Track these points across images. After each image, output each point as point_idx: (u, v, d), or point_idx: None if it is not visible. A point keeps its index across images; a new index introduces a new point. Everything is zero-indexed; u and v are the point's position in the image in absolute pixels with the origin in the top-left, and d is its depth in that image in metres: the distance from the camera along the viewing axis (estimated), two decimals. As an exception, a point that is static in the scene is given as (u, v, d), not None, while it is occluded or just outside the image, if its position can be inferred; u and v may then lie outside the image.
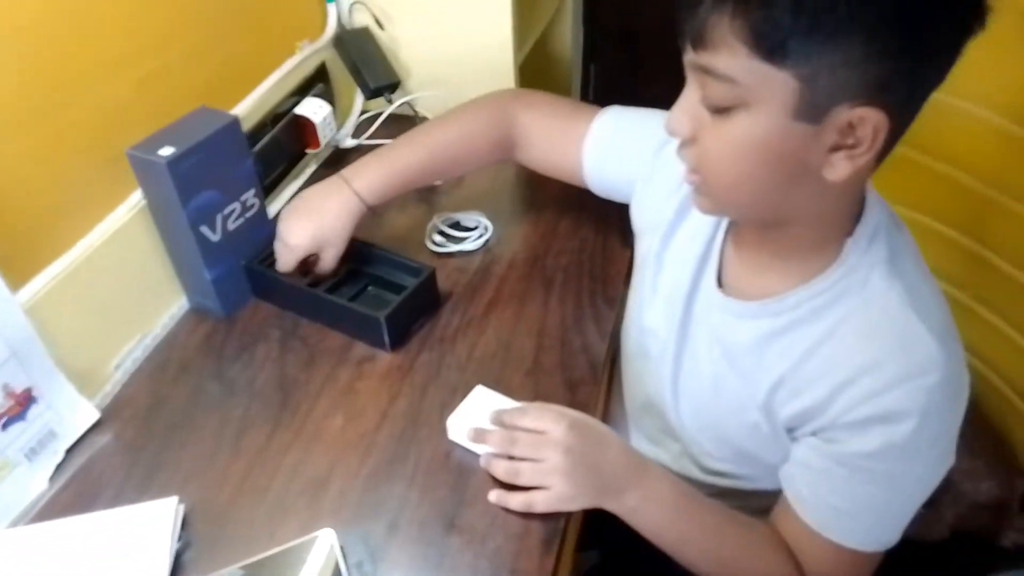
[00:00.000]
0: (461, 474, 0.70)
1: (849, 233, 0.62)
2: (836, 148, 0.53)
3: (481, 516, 0.67)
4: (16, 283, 0.70)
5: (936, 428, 0.60)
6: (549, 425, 0.66)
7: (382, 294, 0.90)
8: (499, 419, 0.70)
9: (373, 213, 0.89)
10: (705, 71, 0.54)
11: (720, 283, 0.71)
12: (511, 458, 0.67)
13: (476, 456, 0.71)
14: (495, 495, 0.67)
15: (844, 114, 0.51)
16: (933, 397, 0.58)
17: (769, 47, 0.50)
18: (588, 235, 0.99)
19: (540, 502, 0.65)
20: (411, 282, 0.86)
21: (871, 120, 0.51)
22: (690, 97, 0.57)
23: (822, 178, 0.55)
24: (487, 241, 0.98)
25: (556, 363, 0.81)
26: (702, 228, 0.72)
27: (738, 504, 0.71)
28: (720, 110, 0.55)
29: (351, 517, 0.68)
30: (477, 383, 0.77)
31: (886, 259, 0.61)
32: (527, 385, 0.78)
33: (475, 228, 1.00)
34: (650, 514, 0.67)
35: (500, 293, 0.91)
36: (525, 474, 0.66)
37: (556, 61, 1.71)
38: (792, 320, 0.64)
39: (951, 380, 0.59)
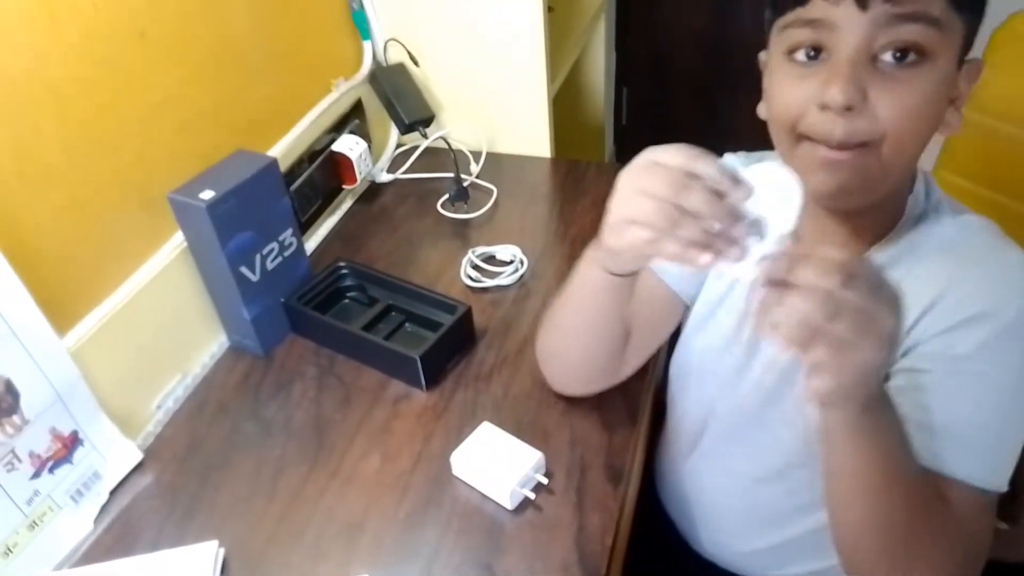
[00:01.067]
0: (497, 518, 0.70)
1: (911, 190, 0.64)
2: (950, 101, 0.57)
3: (518, 561, 0.66)
4: (62, 327, 0.72)
5: None
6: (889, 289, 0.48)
7: (418, 331, 0.90)
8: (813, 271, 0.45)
9: None
10: (911, 17, 0.53)
11: None
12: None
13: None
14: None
15: (968, 66, 0.57)
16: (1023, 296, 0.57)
17: None
18: (624, 268, 0.98)
19: (820, 372, 0.47)
20: (447, 319, 0.86)
21: (975, 69, 0.57)
22: (852, 63, 0.54)
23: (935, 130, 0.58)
24: (522, 276, 0.98)
25: (592, 404, 0.79)
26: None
27: None
28: (907, 61, 0.54)
29: (387, 562, 0.67)
30: (512, 423, 0.77)
31: (946, 200, 0.64)
32: (563, 425, 0.77)
33: (510, 262, 1.00)
34: (884, 435, 0.54)
35: (535, 329, 0.89)
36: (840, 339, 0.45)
37: (588, 87, 1.72)
38: None
39: None
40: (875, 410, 0.52)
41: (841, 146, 0.55)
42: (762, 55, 0.64)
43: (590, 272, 0.65)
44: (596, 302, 0.67)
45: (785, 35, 0.58)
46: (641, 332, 0.76)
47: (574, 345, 0.74)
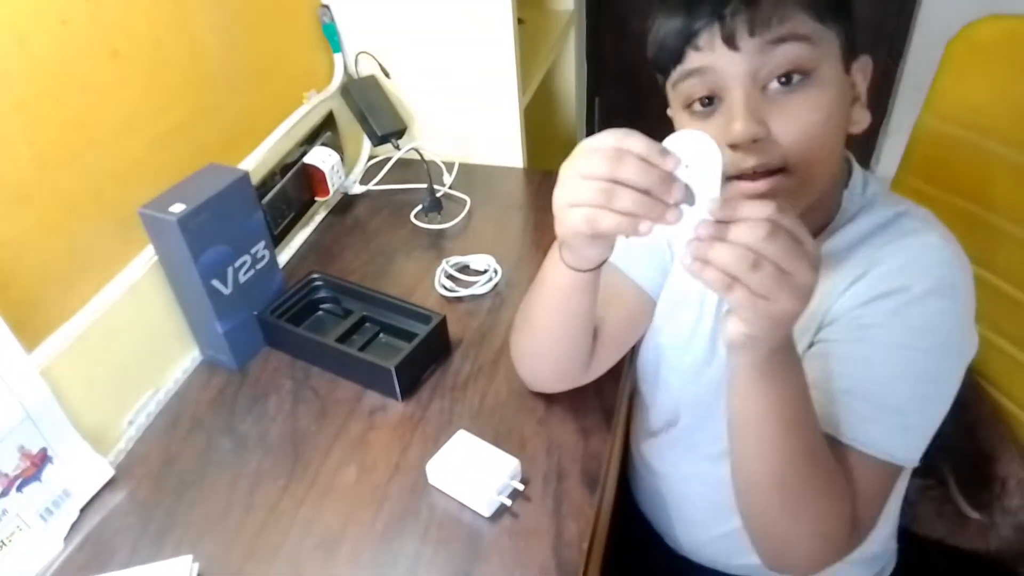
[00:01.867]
0: (475, 526, 0.70)
1: (845, 185, 0.66)
2: (853, 101, 0.60)
3: (497, 569, 0.66)
4: (31, 344, 0.71)
5: (941, 303, 0.60)
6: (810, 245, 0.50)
7: (393, 342, 0.90)
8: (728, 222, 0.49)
9: None
10: (781, 41, 0.56)
11: None
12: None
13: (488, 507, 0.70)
14: (694, 264, 0.49)
15: (858, 64, 0.60)
16: (938, 271, 0.61)
17: (824, 7, 0.57)
18: (597, 276, 0.99)
19: (749, 305, 0.49)
20: (421, 329, 0.86)
21: (867, 65, 0.60)
22: (745, 99, 0.56)
23: (845, 133, 0.61)
24: (496, 285, 0.99)
25: (568, 410, 0.80)
26: None
27: None
28: (790, 84, 0.56)
29: (366, 574, 0.67)
30: (490, 432, 0.77)
31: (880, 193, 0.66)
32: (540, 432, 0.78)
33: (484, 272, 1.01)
34: (790, 378, 0.56)
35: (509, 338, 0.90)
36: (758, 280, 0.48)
37: (560, 98, 1.73)
38: None
39: (956, 262, 0.62)
40: (781, 358, 0.55)
41: (756, 176, 0.58)
42: (669, 112, 0.66)
43: (555, 270, 0.66)
44: (562, 299, 0.68)
45: (678, 91, 0.61)
46: (614, 329, 0.77)
47: (544, 342, 0.75)
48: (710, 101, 0.59)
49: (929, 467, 0.72)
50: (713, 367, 0.74)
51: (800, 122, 0.57)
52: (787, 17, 0.56)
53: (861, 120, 0.61)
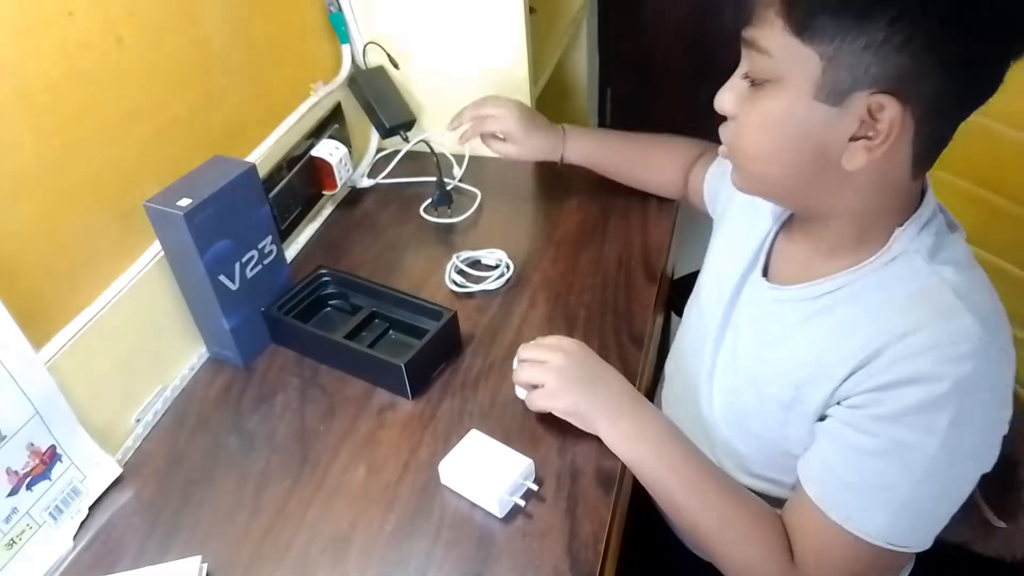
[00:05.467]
0: (487, 527, 0.68)
1: (900, 224, 0.62)
2: (856, 138, 0.56)
3: (510, 571, 0.65)
4: (38, 341, 0.70)
5: (962, 407, 0.56)
6: (562, 342, 0.76)
7: (403, 339, 0.89)
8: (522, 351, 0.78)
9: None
10: (749, 44, 0.59)
11: (768, 275, 0.73)
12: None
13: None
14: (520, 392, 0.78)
15: (863, 100, 0.54)
16: (963, 368, 0.56)
17: (798, 23, 0.54)
18: (610, 271, 0.97)
19: (535, 396, 0.75)
20: (432, 326, 0.84)
21: (889, 110, 0.54)
22: (737, 76, 0.62)
23: (843, 168, 0.58)
24: (508, 280, 0.97)
25: (581, 408, 0.79)
26: (759, 225, 0.75)
27: None
28: (757, 83, 0.59)
29: (376, 575, 0.66)
30: (501, 431, 0.76)
31: (930, 246, 0.61)
32: (553, 432, 0.76)
33: (496, 267, 0.99)
34: (636, 447, 0.70)
35: (522, 334, 0.89)
36: (527, 372, 0.75)
37: (572, 88, 1.71)
38: (831, 303, 0.65)
39: (987, 361, 0.57)
40: (617, 433, 0.71)
41: (724, 145, 0.66)
42: None
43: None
44: None
45: None
46: None
47: None
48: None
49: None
50: (711, 356, 0.77)
51: (742, 118, 0.62)
52: (763, 21, 0.56)
53: (854, 159, 0.57)
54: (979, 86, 0.55)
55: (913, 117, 0.55)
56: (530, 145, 1.03)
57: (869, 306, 0.62)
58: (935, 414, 0.57)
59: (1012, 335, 0.61)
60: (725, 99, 0.63)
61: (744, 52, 0.60)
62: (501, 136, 1.04)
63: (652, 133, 1.07)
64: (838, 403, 0.63)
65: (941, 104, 0.55)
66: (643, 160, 1.06)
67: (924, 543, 0.61)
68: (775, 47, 0.56)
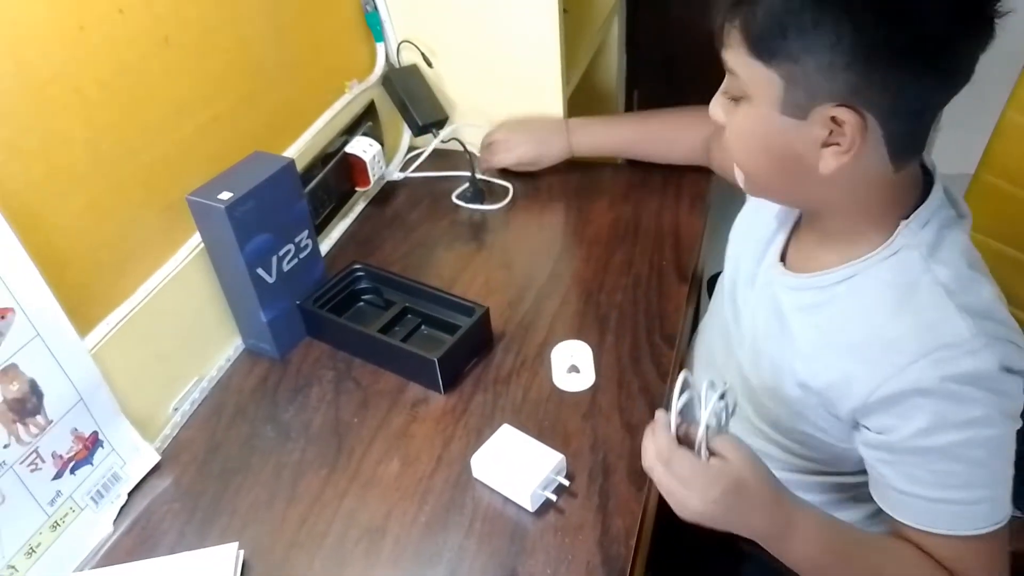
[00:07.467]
0: (520, 521, 0.69)
1: (905, 216, 0.64)
2: (828, 144, 0.59)
3: (543, 565, 0.65)
4: (83, 329, 0.71)
5: (976, 393, 0.59)
6: (700, 482, 0.61)
7: (435, 334, 0.90)
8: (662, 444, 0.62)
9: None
10: (724, 64, 0.62)
11: (785, 261, 0.75)
12: None
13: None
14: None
15: (825, 113, 0.57)
16: (961, 366, 0.59)
17: (757, 46, 0.58)
18: (642, 271, 0.97)
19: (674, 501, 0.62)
20: (464, 322, 0.85)
21: (849, 121, 0.57)
22: (720, 91, 0.66)
23: (821, 172, 0.60)
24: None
25: (613, 405, 0.79)
26: (774, 209, 0.77)
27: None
28: (734, 99, 0.63)
29: (410, 566, 0.67)
30: (533, 426, 0.76)
31: (930, 242, 0.63)
32: (585, 428, 0.77)
33: (526, 264, 0.99)
34: (803, 558, 0.65)
35: (553, 331, 0.89)
36: (665, 486, 0.62)
37: (601, 89, 1.71)
38: (833, 295, 0.67)
39: (982, 354, 0.59)
40: (774, 538, 0.63)
41: None
42: None
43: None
44: None
45: None
46: None
47: None
48: None
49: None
50: (732, 330, 0.79)
51: (729, 129, 0.65)
52: (729, 46, 0.60)
53: (828, 164, 0.60)
54: (941, 73, 0.56)
55: (877, 120, 0.57)
56: (538, 153, 1.13)
57: (864, 303, 0.65)
58: (960, 409, 0.59)
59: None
60: (714, 110, 0.67)
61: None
62: (514, 160, 1.14)
63: (665, 109, 1.10)
64: (856, 423, 0.66)
65: (902, 103, 0.57)
66: (659, 140, 1.11)
67: (1013, 506, 0.63)
68: (740, 68, 0.60)
